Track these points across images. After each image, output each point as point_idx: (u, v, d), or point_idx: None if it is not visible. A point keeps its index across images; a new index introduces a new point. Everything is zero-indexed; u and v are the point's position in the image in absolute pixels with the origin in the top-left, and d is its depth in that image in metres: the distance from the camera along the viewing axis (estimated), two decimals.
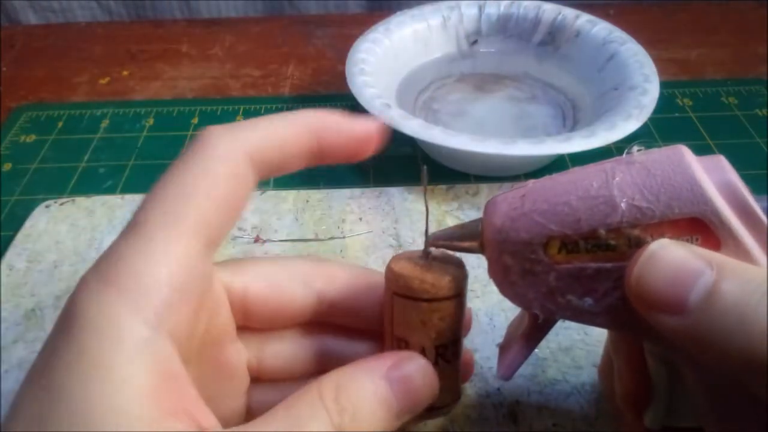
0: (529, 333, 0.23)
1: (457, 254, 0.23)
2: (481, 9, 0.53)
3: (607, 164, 0.19)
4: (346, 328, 0.25)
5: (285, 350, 0.25)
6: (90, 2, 0.67)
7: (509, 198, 0.21)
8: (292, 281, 0.24)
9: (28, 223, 0.41)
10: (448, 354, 0.23)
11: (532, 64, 0.53)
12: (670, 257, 0.17)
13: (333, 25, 0.66)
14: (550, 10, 0.52)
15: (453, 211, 0.41)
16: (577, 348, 0.33)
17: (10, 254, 0.39)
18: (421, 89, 0.51)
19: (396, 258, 0.23)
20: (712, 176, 0.18)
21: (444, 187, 0.43)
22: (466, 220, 0.41)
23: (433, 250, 0.23)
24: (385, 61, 0.48)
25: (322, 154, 0.22)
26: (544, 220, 0.19)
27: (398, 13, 0.52)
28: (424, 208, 0.23)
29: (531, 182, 0.21)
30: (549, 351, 0.33)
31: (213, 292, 0.22)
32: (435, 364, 0.22)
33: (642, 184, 0.18)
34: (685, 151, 0.19)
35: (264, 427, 0.17)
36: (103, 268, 0.18)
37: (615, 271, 0.19)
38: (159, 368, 0.17)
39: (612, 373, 0.26)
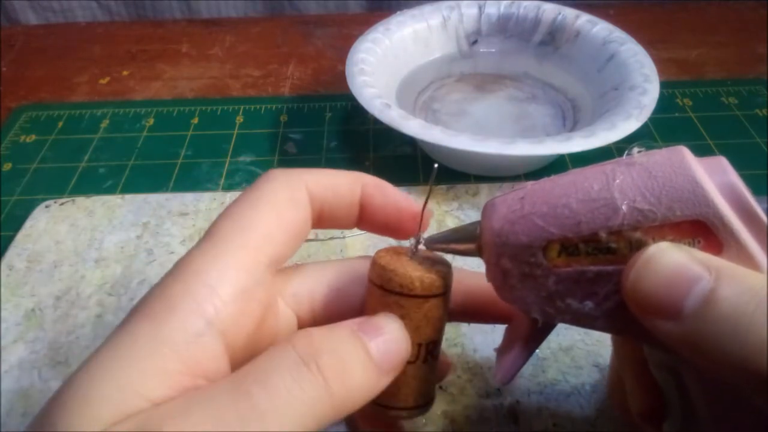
0: (528, 337, 0.22)
1: (455, 257, 0.23)
2: (481, 9, 0.53)
3: (608, 166, 0.19)
4: None
5: None
6: (90, 2, 0.67)
7: (508, 200, 0.20)
8: (353, 283, 0.24)
9: (28, 223, 0.41)
10: (421, 353, 0.22)
11: (532, 64, 0.53)
12: (667, 261, 0.17)
13: (333, 25, 0.66)
14: (550, 10, 0.52)
15: (453, 211, 0.41)
16: (577, 348, 0.33)
17: (10, 254, 0.39)
18: (421, 89, 0.51)
19: (385, 248, 0.23)
20: (713, 178, 0.18)
21: (444, 187, 0.43)
22: (466, 220, 0.41)
23: (423, 249, 0.23)
24: (385, 61, 0.48)
25: (365, 214, 0.24)
26: (543, 223, 0.19)
27: (398, 13, 0.52)
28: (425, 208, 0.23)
29: (530, 184, 0.20)
30: (549, 351, 0.33)
31: (276, 313, 0.22)
32: None
33: (643, 186, 0.18)
34: (685, 153, 0.18)
35: (234, 376, 0.17)
36: (175, 267, 0.19)
37: (615, 275, 0.18)
38: (197, 366, 0.18)
39: (622, 391, 0.26)
